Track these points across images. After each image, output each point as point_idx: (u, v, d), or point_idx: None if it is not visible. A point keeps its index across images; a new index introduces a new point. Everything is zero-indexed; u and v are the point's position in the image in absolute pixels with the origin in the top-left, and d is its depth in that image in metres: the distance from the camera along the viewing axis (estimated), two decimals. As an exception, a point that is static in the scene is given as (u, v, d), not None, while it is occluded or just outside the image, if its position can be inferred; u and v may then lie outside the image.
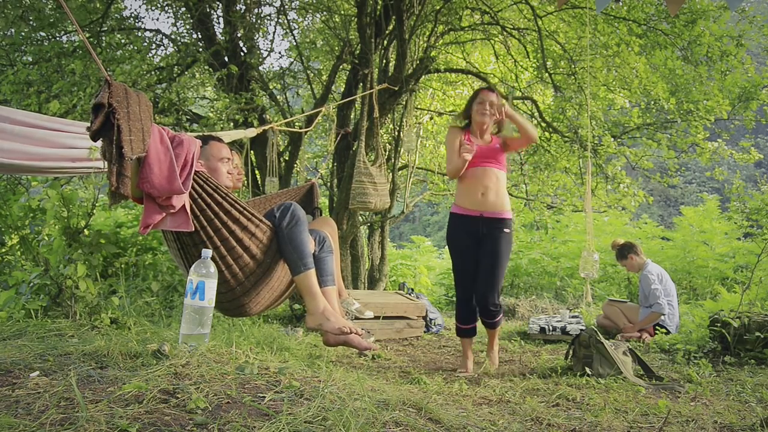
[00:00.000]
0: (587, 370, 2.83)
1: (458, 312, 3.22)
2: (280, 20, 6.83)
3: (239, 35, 5.97)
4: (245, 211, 2.16)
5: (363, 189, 4.68)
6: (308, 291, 2.27)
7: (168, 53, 6.29)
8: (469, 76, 7.23)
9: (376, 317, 4.12)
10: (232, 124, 5.20)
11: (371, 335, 2.54)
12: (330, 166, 6.39)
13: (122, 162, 1.65)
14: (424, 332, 4.53)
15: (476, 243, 3.10)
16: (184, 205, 1.93)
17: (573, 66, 6.17)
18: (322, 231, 2.57)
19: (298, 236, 2.25)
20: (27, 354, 1.83)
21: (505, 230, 3.07)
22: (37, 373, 1.59)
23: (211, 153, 2.41)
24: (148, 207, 1.86)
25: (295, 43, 6.87)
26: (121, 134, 1.63)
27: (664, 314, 4.14)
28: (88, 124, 1.66)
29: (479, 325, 3.24)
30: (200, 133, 2.77)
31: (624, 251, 4.54)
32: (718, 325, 3.44)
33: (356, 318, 2.97)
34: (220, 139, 2.54)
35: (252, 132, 3.47)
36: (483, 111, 3.14)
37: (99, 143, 1.69)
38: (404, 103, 5.88)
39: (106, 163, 1.67)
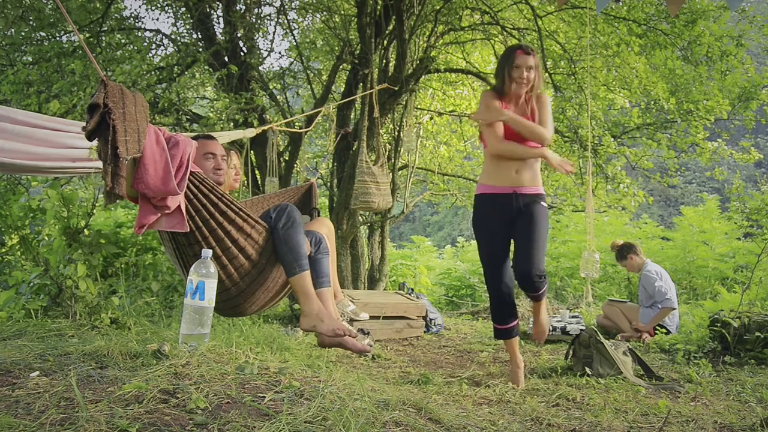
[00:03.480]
0: (587, 370, 2.83)
1: (493, 310, 2.78)
2: (280, 20, 6.84)
3: (239, 35, 5.97)
4: (241, 213, 2.16)
5: (366, 189, 4.68)
6: (303, 292, 2.27)
7: (168, 53, 6.29)
8: (469, 76, 7.23)
9: (375, 317, 4.12)
10: (232, 124, 5.20)
11: (368, 335, 2.53)
12: (330, 166, 6.39)
13: (117, 162, 1.65)
14: (424, 332, 4.53)
15: (509, 223, 2.69)
16: (179, 206, 1.93)
17: (573, 66, 6.17)
18: (319, 232, 2.57)
19: (294, 237, 2.25)
20: (27, 354, 1.83)
21: (542, 203, 2.69)
22: (37, 373, 1.59)
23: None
24: (143, 207, 1.86)
25: (295, 43, 6.87)
26: (117, 135, 1.64)
27: (675, 308, 4.14)
28: (84, 124, 1.67)
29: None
30: (192, 133, 2.76)
31: (623, 252, 4.54)
32: (718, 325, 3.44)
33: (351, 320, 2.97)
34: (208, 136, 2.53)
35: (252, 132, 3.47)
36: (521, 80, 2.61)
37: (96, 143, 1.70)
38: (404, 103, 5.88)
39: (102, 162, 1.67)
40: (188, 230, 2.00)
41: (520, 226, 2.66)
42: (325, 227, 2.67)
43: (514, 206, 2.67)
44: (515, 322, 2.74)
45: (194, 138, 2.39)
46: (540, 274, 2.59)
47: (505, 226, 2.70)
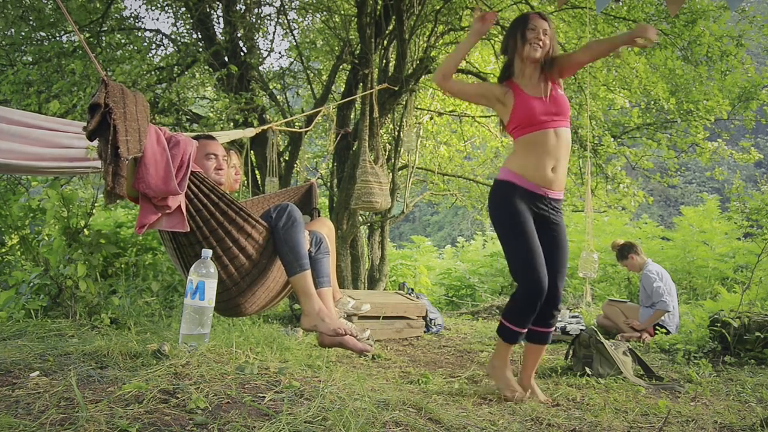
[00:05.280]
0: (587, 370, 2.83)
1: (522, 307, 2.31)
2: (280, 20, 6.84)
3: (239, 35, 5.97)
4: (241, 212, 2.16)
5: (369, 189, 4.68)
6: (304, 292, 2.27)
7: (168, 53, 6.29)
8: (469, 76, 7.23)
9: (375, 317, 4.12)
10: (232, 124, 5.20)
11: (368, 330, 2.52)
12: (330, 166, 6.39)
13: (118, 162, 1.66)
14: (424, 332, 4.53)
15: (536, 224, 2.38)
16: (179, 206, 1.93)
17: (573, 66, 6.16)
18: (319, 232, 2.57)
19: (294, 237, 2.25)
20: (27, 354, 1.84)
21: (560, 213, 2.44)
22: (37, 373, 1.59)
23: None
24: (144, 207, 1.86)
25: (295, 43, 6.87)
26: (117, 134, 1.64)
27: (669, 311, 4.14)
28: (85, 124, 1.67)
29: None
30: (194, 133, 2.76)
31: (624, 251, 4.55)
32: (718, 325, 3.44)
33: (354, 315, 2.96)
34: (209, 137, 2.54)
35: (251, 132, 3.47)
36: (536, 41, 2.31)
37: (96, 143, 1.70)
38: (404, 103, 5.88)
39: (102, 162, 1.67)
40: (189, 230, 2.00)
41: (550, 243, 2.37)
42: (325, 227, 2.67)
43: (542, 210, 2.36)
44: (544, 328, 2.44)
45: (195, 138, 2.40)
46: (560, 303, 2.39)
47: (533, 225, 2.35)
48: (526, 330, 2.37)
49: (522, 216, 2.31)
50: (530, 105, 2.33)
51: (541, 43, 2.31)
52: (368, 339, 2.45)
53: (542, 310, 2.32)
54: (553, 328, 2.44)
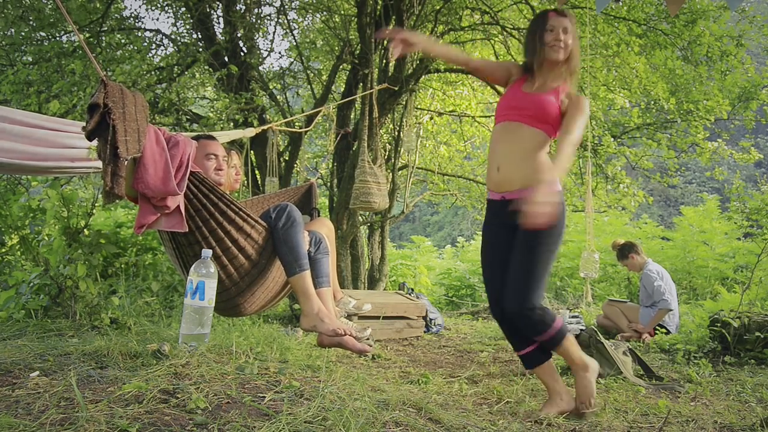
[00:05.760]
0: (587, 370, 2.83)
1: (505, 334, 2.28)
2: (280, 20, 6.84)
3: (239, 35, 5.97)
4: (241, 212, 2.16)
5: (368, 189, 4.68)
6: (303, 292, 2.27)
7: (168, 53, 6.29)
8: (469, 76, 7.23)
9: (375, 317, 4.12)
10: (232, 124, 5.20)
11: (368, 329, 2.51)
12: (330, 166, 6.39)
13: (117, 162, 1.66)
14: (424, 332, 4.53)
15: (508, 236, 2.16)
16: (178, 206, 1.93)
17: (573, 66, 6.17)
18: (319, 232, 2.57)
19: (294, 237, 2.25)
20: (27, 354, 1.84)
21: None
22: (37, 373, 1.59)
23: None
24: (143, 207, 1.87)
25: (295, 43, 6.88)
26: (117, 134, 1.64)
27: (671, 309, 4.14)
28: (84, 124, 1.67)
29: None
30: (193, 133, 2.75)
31: (625, 251, 4.55)
32: (718, 325, 3.44)
33: (355, 314, 2.96)
34: (210, 137, 2.54)
35: (251, 132, 3.46)
36: (556, 43, 2.11)
37: (96, 143, 1.70)
38: (404, 103, 5.88)
39: (101, 162, 1.68)
40: (187, 230, 2.00)
41: (514, 249, 2.13)
42: (325, 227, 2.67)
43: (506, 218, 2.11)
44: (531, 348, 2.17)
45: (195, 138, 2.40)
46: (527, 306, 2.04)
47: (502, 239, 2.19)
48: (525, 351, 2.17)
49: (485, 235, 2.27)
50: (506, 97, 2.20)
51: (561, 43, 2.11)
52: (368, 338, 2.44)
53: (510, 318, 2.14)
54: (545, 333, 2.07)
